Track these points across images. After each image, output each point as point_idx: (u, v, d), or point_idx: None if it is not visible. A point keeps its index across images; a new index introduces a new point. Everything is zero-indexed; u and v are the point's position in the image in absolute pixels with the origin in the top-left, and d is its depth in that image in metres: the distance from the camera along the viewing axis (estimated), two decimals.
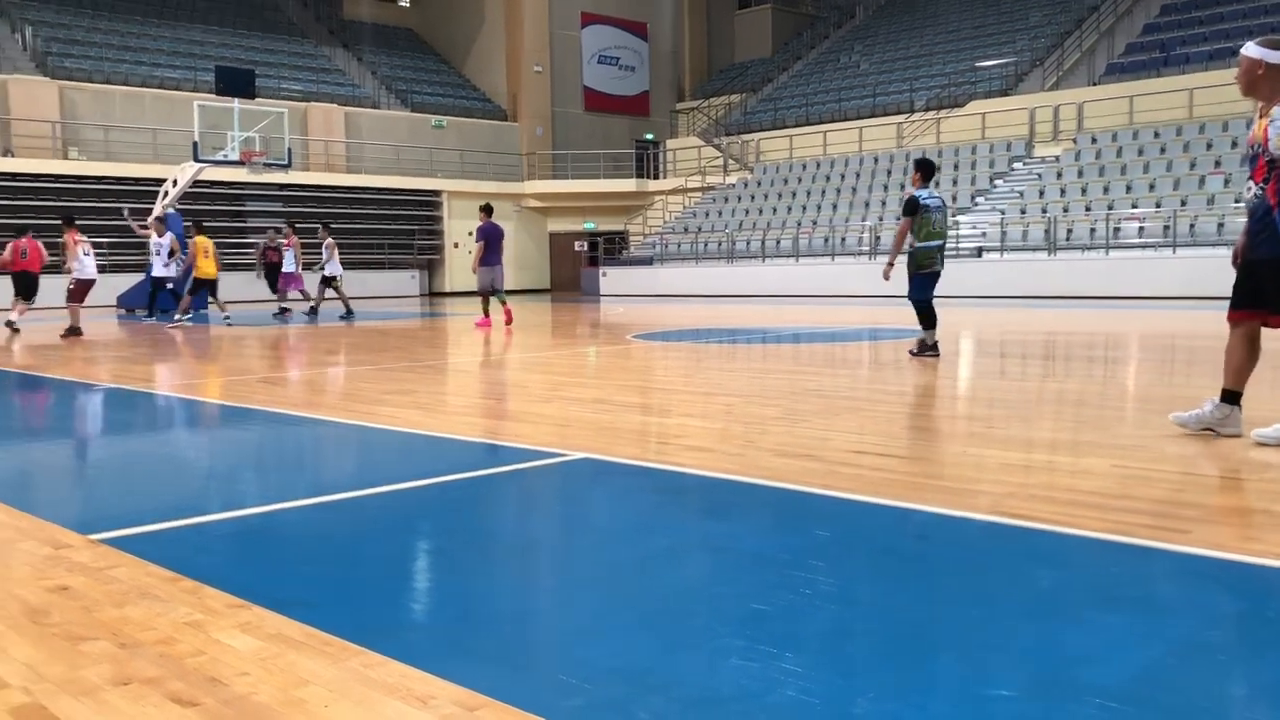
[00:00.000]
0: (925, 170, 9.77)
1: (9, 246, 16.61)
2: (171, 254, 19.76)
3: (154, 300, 19.86)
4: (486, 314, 16.33)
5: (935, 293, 9.69)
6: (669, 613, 2.86)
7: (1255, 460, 4.77)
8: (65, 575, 3.25)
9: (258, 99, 23.10)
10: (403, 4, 42.57)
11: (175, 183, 22.15)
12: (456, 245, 34.91)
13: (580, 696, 2.28)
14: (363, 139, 34.51)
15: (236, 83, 21.73)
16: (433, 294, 34.80)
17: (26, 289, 16.66)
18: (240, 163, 21.87)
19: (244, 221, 30.75)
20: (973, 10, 37.33)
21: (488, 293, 15.82)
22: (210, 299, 18.79)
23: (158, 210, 21.97)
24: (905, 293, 9.81)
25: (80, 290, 16.09)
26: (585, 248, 36.57)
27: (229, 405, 7.48)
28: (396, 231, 34.47)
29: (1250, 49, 5.10)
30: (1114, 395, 7.31)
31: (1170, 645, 2.56)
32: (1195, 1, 29.86)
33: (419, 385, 8.47)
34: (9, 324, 16.09)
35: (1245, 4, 28.32)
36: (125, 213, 22.49)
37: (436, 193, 35.09)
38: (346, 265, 32.76)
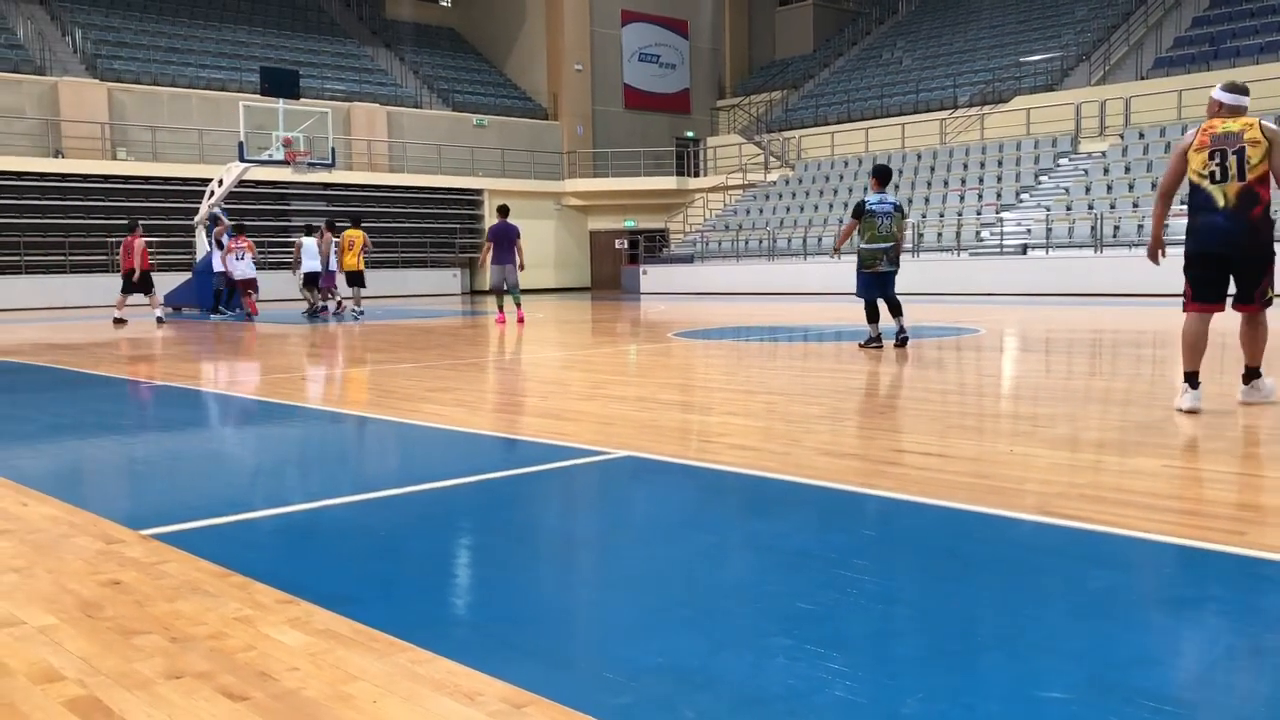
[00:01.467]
0: (881, 177, 10.65)
1: (123, 245, 18.16)
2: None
3: (219, 297, 20.46)
4: (501, 309, 17.09)
5: (940, 289, 10.23)
6: (714, 611, 2.85)
7: None
8: (117, 570, 3.30)
9: (302, 99, 23.32)
10: (444, 4, 42.82)
11: (221, 183, 22.44)
12: None
13: (627, 694, 2.28)
14: (405, 138, 34.76)
15: (281, 83, 21.95)
16: (474, 292, 34.98)
17: (145, 284, 17.76)
18: (285, 162, 22.11)
19: (289, 220, 31.09)
20: (1017, 4, 36.91)
21: (499, 291, 16.47)
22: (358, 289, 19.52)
23: (204, 210, 22.30)
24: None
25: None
26: (626, 246, 36.59)
27: (274, 402, 7.56)
28: (438, 230, 34.69)
29: (1215, 91, 6.15)
30: (1163, 394, 7.20)
31: (1225, 649, 2.51)
32: None
33: (461, 383, 8.52)
34: (159, 320, 17.35)
35: None
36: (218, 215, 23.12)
37: (478, 191, 35.27)
38: (390, 265, 33.39)
